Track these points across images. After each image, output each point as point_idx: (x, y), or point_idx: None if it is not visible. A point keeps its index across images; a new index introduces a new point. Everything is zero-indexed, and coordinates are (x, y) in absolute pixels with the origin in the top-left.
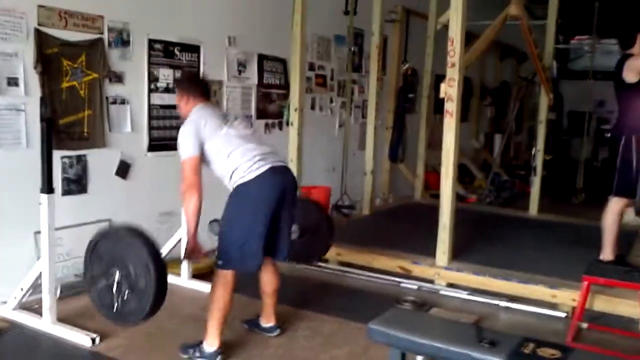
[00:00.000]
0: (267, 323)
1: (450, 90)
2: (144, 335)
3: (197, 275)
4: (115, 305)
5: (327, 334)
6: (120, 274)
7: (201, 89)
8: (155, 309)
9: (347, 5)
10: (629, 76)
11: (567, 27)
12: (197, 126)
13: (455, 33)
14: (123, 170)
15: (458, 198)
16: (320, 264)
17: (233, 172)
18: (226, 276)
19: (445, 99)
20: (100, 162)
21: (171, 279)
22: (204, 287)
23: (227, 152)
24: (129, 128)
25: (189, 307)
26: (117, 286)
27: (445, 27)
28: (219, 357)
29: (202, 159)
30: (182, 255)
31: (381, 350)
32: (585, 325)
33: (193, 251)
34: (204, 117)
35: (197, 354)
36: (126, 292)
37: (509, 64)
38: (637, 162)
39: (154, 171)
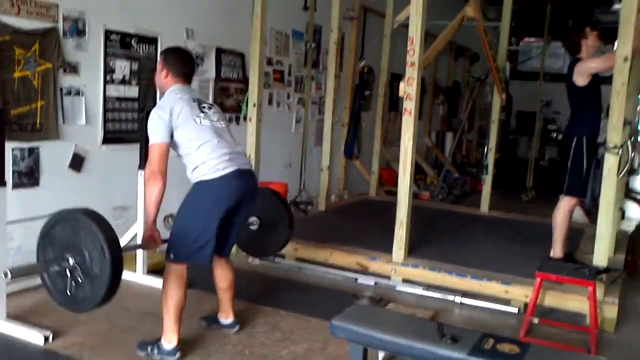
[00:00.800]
0: (226, 319)
1: (409, 89)
2: (100, 332)
3: (152, 270)
4: (69, 290)
5: (286, 329)
6: (75, 259)
7: (186, 69)
8: (110, 295)
9: (306, 1)
10: (579, 80)
11: (517, 29)
12: (171, 112)
13: (415, 33)
14: (77, 163)
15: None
16: (277, 259)
17: (198, 165)
18: (178, 269)
19: (404, 98)
20: (53, 154)
21: (126, 274)
22: (159, 282)
23: (197, 144)
24: (84, 120)
25: (144, 304)
26: (71, 271)
27: (402, 25)
28: (178, 353)
29: (172, 144)
30: (140, 243)
31: (340, 345)
32: (536, 320)
33: (150, 239)
34: (179, 103)
35: (156, 351)
36: (80, 277)
37: (461, 63)
38: (588, 163)
39: (109, 164)
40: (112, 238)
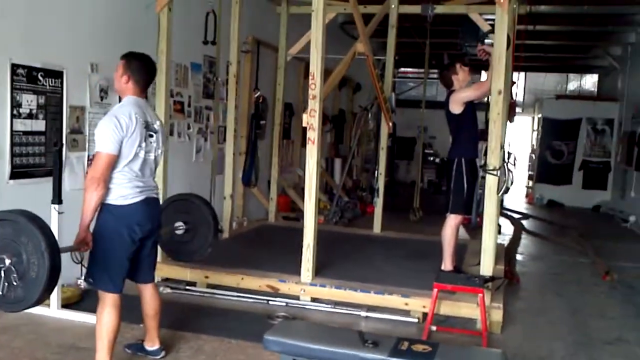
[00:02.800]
0: (152, 346)
1: (311, 120)
2: None
3: (66, 305)
4: (1, 290)
5: (210, 352)
6: (12, 260)
7: (148, 78)
8: (43, 299)
9: (206, 35)
10: (454, 108)
11: (398, 61)
12: (126, 129)
13: (316, 68)
14: None
15: None
16: (188, 287)
17: (113, 186)
18: (112, 298)
19: (308, 128)
20: None
21: (40, 309)
22: (74, 316)
23: (120, 169)
24: None
25: (63, 337)
26: (5, 271)
27: (295, 58)
28: None
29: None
30: (72, 245)
31: None
32: (434, 328)
33: (83, 242)
34: (133, 125)
35: None
36: (15, 280)
37: (345, 93)
38: (468, 182)
39: (17, 199)
40: (53, 244)
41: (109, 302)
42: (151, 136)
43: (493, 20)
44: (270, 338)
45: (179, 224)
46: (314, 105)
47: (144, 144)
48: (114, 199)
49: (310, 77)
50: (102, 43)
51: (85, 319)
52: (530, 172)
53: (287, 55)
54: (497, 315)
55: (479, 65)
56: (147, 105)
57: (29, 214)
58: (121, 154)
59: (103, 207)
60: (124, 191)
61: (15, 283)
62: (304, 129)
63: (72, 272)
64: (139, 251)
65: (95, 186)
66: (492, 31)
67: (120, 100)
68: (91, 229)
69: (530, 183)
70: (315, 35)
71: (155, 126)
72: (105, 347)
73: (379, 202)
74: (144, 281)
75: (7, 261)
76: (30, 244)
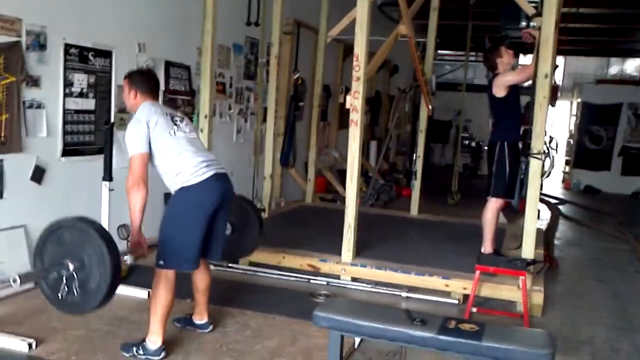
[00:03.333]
0: (201, 320)
1: (355, 102)
2: (80, 338)
3: None
4: (61, 294)
5: (255, 327)
6: (74, 266)
7: (151, 86)
8: (97, 309)
9: (249, 17)
10: (498, 92)
11: (438, 44)
12: (148, 123)
13: (360, 49)
14: (38, 175)
15: (344, 200)
16: (230, 265)
17: (179, 173)
18: (167, 274)
19: (351, 110)
20: (16, 166)
21: None
22: (124, 290)
23: (176, 154)
24: (45, 133)
25: (115, 310)
26: (67, 278)
27: (335, 40)
28: (163, 353)
29: (150, 155)
30: (127, 249)
31: (308, 339)
32: (474, 309)
33: (137, 245)
34: (154, 117)
35: (141, 352)
36: (75, 286)
37: (381, 75)
38: (510, 166)
39: (68, 176)
40: (117, 263)
41: (164, 278)
42: (181, 120)
43: (535, 2)
44: (320, 314)
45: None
46: (358, 87)
47: (175, 126)
48: (187, 179)
49: (354, 59)
50: (149, 23)
51: (134, 293)
52: (567, 158)
53: (327, 37)
54: (538, 298)
55: (519, 49)
56: (162, 105)
57: (99, 226)
58: (159, 144)
59: (177, 191)
60: (192, 169)
61: (74, 289)
62: (341, 111)
63: (120, 248)
64: (212, 227)
65: (137, 188)
66: (537, 14)
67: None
68: (145, 229)
69: (567, 168)
70: (361, 16)
71: (178, 116)
72: (158, 320)
73: (416, 184)
74: (215, 257)
75: (71, 266)
76: (94, 256)
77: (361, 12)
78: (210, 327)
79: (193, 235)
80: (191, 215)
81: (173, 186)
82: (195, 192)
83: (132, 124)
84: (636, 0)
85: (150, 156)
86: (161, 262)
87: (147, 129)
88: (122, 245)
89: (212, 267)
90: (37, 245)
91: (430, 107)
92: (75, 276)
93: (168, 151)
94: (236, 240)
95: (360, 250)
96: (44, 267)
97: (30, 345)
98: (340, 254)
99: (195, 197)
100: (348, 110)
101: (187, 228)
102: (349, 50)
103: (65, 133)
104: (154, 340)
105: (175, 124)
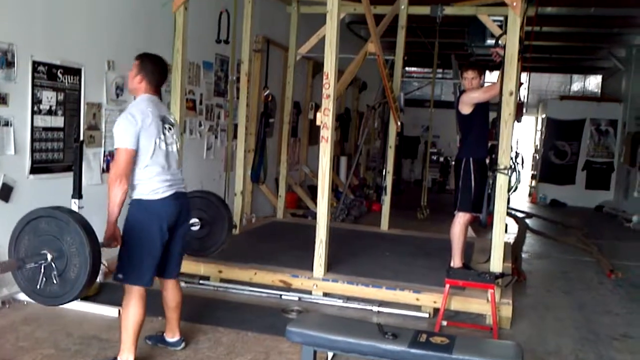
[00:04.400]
0: (172, 337)
1: (325, 119)
2: (48, 357)
3: (85, 297)
4: (39, 285)
5: (228, 344)
6: (53, 256)
7: (160, 78)
8: (77, 299)
9: (219, 34)
10: (464, 109)
11: (406, 61)
12: (142, 122)
13: (330, 68)
14: (5, 193)
15: (315, 216)
16: (202, 281)
17: (139, 183)
18: (138, 291)
19: (321, 127)
20: None
21: None
22: (94, 308)
23: (149, 163)
24: (12, 150)
25: (85, 329)
26: (45, 268)
27: (304, 57)
28: None
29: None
30: (102, 242)
31: (281, 355)
32: (445, 322)
33: (112, 238)
34: (148, 119)
35: None
36: (54, 276)
37: (350, 92)
38: (475, 182)
39: (36, 194)
40: (97, 251)
41: (135, 295)
42: (169, 129)
43: (500, 21)
44: (293, 329)
45: (194, 220)
46: (328, 104)
47: (162, 136)
48: (145, 193)
49: (324, 77)
50: (119, 41)
51: (105, 312)
52: (533, 172)
53: (297, 55)
54: (506, 310)
55: (485, 66)
56: (160, 102)
57: (78, 216)
58: (141, 147)
59: (134, 202)
60: (155, 185)
61: (53, 280)
62: (311, 127)
63: None
64: (168, 246)
65: (118, 182)
66: (504, 33)
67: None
68: (120, 224)
69: (534, 183)
70: (330, 35)
71: (171, 120)
72: (130, 338)
73: (386, 200)
74: (170, 276)
75: (49, 256)
76: (74, 245)
77: (330, 32)
78: (183, 345)
79: (151, 250)
80: (149, 229)
81: (131, 193)
82: (151, 207)
83: (125, 117)
84: (597, 20)
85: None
86: (120, 276)
87: (141, 123)
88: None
89: (182, 284)
90: (13, 235)
91: (399, 123)
92: (54, 266)
93: (144, 156)
94: (206, 235)
95: (332, 265)
96: (20, 257)
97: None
98: (311, 270)
99: (151, 212)
100: (318, 126)
101: (145, 243)
102: (318, 67)
103: (33, 150)
104: (125, 358)
105: (163, 133)
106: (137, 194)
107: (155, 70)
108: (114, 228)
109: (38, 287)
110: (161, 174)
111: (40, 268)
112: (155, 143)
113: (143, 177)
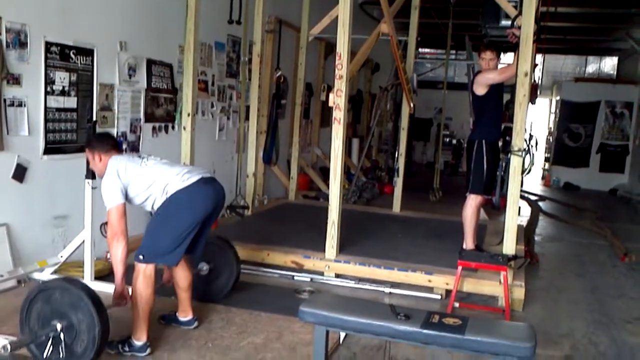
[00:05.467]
0: (185, 317)
1: (338, 100)
2: None
3: (98, 277)
4: (51, 353)
5: (241, 324)
6: (62, 326)
7: (111, 144)
8: None
9: (231, 15)
10: (479, 90)
11: (419, 42)
12: (118, 173)
13: (343, 48)
14: (19, 173)
15: (327, 198)
16: None
17: (166, 185)
18: (145, 270)
19: (334, 108)
20: None
21: None
22: (107, 287)
23: (158, 175)
24: (26, 131)
25: None
26: (54, 338)
27: (316, 38)
28: (148, 349)
29: (128, 201)
30: (112, 303)
31: (294, 335)
32: (457, 304)
33: (121, 296)
34: (121, 164)
35: (127, 348)
36: (61, 348)
37: (362, 73)
38: (488, 164)
39: (50, 174)
40: (105, 332)
41: (143, 274)
42: (147, 157)
43: (515, 2)
44: (306, 309)
45: (202, 264)
46: (341, 85)
47: (142, 159)
48: (175, 187)
49: (337, 58)
50: (131, 22)
51: None
52: (547, 155)
53: (309, 35)
54: (519, 293)
55: (500, 48)
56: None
57: (92, 293)
58: (135, 181)
59: (170, 196)
60: (177, 177)
61: (60, 351)
62: (323, 109)
63: (103, 246)
64: (201, 228)
65: (116, 240)
66: (520, 14)
67: (151, 78)
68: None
69: (547, 165)
70: (343, 16)
71: (143, 155)
72: (141, 317)
73: (399, 182)
74: (197, 254)
75: (59, 327)
76: (84, 323)
77: (343, 11)
78: (196, 324)
79: (182, 233)
80: (183, 214)
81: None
82: (187, 193)
83: (105, 179)
84: (613, 0)
85: (131, 201)
86: (141, 257)
87: (118, 178)
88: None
89: None
90: (25, 302)
91: (411, 105)
92: (62, 337)
93: (149, 180)
94: (212, 280)
95: (344, 247)
96: (31, 330)
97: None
98: (324, 251)
99: (187, 197)
100: (330, 108)
101: (177, 226)
102: (330, 48)
103: (47, 131)
104: (138, 337)
105: (142, 158)
106: (170, 192)
107: (102, 141)
108: (122, 286)
109: (45, 355)
110: (172, 169)
111: (49, 338)
112: (142, 166)
113: (163, 182)
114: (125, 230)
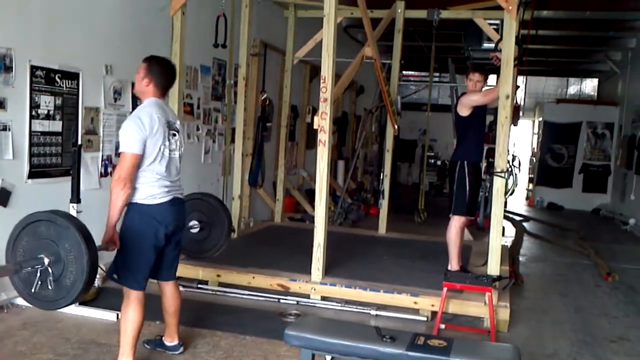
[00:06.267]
0: (171, 342)
1: (322, 122)
2: None
3: (83, 302)
4: (34, 289)
5: (226, 348)
6: (50, 260)
7: (168, 82)
8: (70, 304)
9: (216, 38)
10: (462, 111)
11: (403, 65)
12: (150, 128)
13: (327, 72)
14: (3, 197)
15: (312, 219)
16: (200, 285)
17: (138, 186)
18: (137, 295)
19: (319, 130)
20: None
21: None
22: (92, 312)
23: (150, 168)
24: (11, 155)
25: (83, 333)
26: (41, 272)
27: (301, 61)
28: None
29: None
30: (101, 245)
31: (280, 358)
32: (443, 325)
33: (111, 241)
34: (156, 125)
35: None
36: (50, 281)
37: (347, 95)
38: (470, 185)
39: (34, 198)
40: (95, 261)
41: (133, 299)
42: (174, 135)
43: (497, 25)
44: (292, 333)
45: (193, 222)
46: (325, 108)
47: (167, 143)
48: (143, 198)
49: (321, 81)
50: (117, 45)
51: (103, 316)
52: (530, 175)
53: (294, 58)
54: (504, 313)
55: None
56: (167, 106)
57: (78, 223)
58: (146, 153)
59: (131, 206)
60: (152, 190)
61: (48, 285)
62: (309, 131)
63: None
64: (163, 250)
65: (122, 186)
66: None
67: (137, 102)
68: (118, 227)
69: (531, 186)
70: (327, 39)
71: (177, 125)
72: (129, 342)
73: (384, 203)
74: (167, 279)
75: (46, 261)
76: (72, 253)
77: (327, 35)
78: (181, 349)
79: (146, 254)
80: (146, 233)
81: (134, 193)
82: (148, 212)
83: (133, 121)
84: (593, 23)
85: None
86: (115, 276)
87: (146, 131)
88: None
89: (181, 288)
90: (11, 236)
91: (396, 126)
92: (50, 271)
93: (146, 161)
94: (205, 237)
95: (330, 269)
96: (17, 261)
97: None
98: (309, 273)
99: (147, 217)
100: (315, 130)
101: (139, 247)
102: (315, 71)
103: (31, 155)
104: None
105: (168, 140)
106: (135, 198)
107: (163, 73)
108: (113, 231)
109: (33, 290)
110: (160, 179)
111: (37, 272)
112: (160, 150)
113: (142, 181)
114: (132, 180)
